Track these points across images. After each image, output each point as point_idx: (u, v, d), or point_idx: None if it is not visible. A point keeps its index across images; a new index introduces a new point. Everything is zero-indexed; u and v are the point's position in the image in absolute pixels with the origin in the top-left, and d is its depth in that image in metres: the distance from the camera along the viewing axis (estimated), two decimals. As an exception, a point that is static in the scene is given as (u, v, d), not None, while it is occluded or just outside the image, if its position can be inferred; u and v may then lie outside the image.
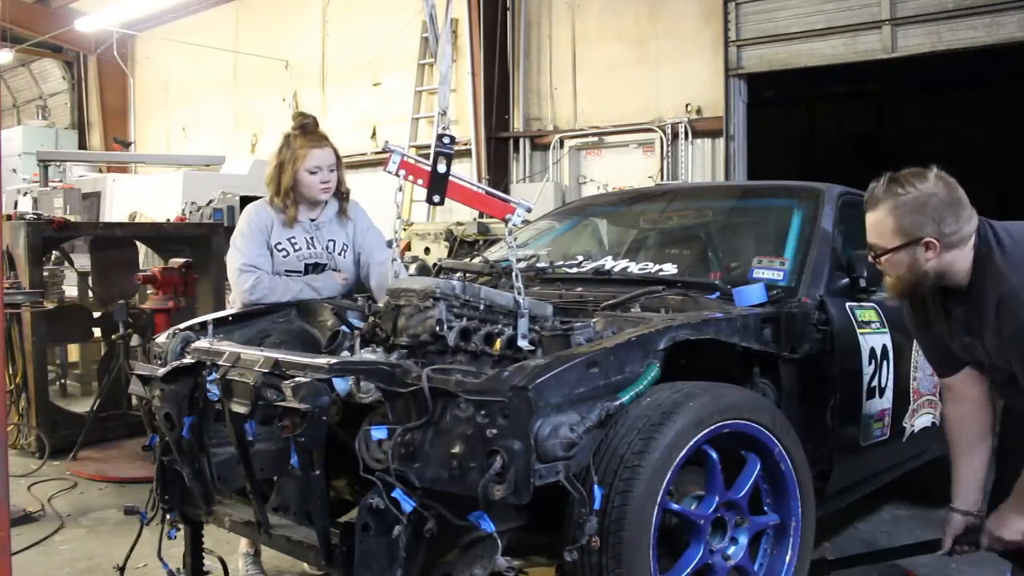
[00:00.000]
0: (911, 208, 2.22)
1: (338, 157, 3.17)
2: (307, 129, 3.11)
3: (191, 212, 8.19)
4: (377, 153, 10.23)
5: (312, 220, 3.17)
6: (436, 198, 2.51)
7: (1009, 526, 2.37)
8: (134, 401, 5.15)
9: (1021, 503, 2.36)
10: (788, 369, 2.65)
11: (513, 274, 2.43)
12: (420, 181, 2.52)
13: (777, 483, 2.41)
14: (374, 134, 11.11)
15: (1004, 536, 2.38)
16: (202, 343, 2.52)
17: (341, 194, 3.22)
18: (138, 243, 6.13)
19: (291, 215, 3.10)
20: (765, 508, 2.41)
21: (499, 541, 1.83)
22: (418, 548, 1.95)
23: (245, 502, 2.44)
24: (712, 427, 2.16)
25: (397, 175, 2.54)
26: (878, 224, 2.29)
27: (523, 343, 2.35)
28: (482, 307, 2.42)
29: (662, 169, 9.15)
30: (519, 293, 2.40)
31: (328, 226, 3.20)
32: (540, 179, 10.09)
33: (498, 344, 2.35)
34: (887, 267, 2.33)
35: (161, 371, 2.44)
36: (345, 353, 2.52)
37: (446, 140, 2.45)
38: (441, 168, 2.48)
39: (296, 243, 3.12)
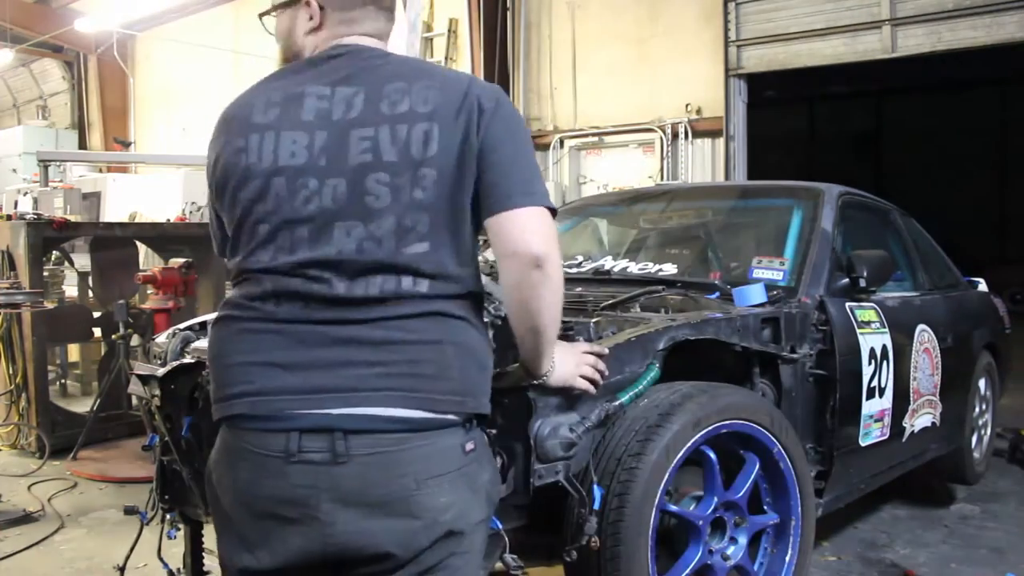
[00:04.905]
0: None
1: None
2: None
3: (191, 212, 8.20)
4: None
5: None
6: None
7: None
8: (134, 401, 5.14)
9: None
10: (788, 369, 2.65)
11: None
12: None
13: (776, 482, 2.41)
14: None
15: None
16: (202, 343, 2.52)
17: None
18: (138, 243, 6.13)
19: None
20: (765, 507, 2.42)
21: (506, 539, 1.83)
22: (418, 548, 1.95)
23: (245, 502, 2.43)
24: (710, 428, 2.16)
25: None
26: None
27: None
28: None
29: (662, 169, 9.16)
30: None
31: None
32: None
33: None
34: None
35: (161, 371, 2.44)
36: None
37: None
38: None
39: None
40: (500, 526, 1.82)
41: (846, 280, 3.00)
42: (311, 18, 1.58)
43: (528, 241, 1.45)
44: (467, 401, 1.45)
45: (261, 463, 1.41)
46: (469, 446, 1.46)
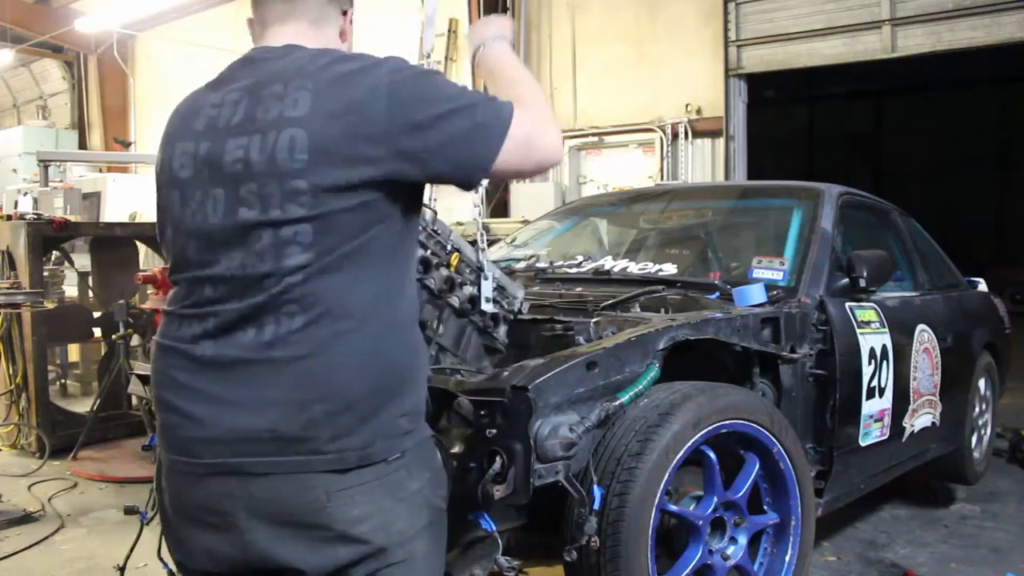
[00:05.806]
0: None
1: None
2: None
3: (191, 212, 8.18)
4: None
5: None
6: None
7: None
8: (134, 401, 5.15)
9: None
10: (788, 369, 2.65)
11: (478, 234, 2.33)
12: None
13: (776, 482, 2.41)
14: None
15: None
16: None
17: None
18: (138, 243, 6.13)
19: None
20: (765, 507, 2.42)
21: (500, 540, 1.83)
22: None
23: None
24: (709, 428, 2.16)
25: None
26: None
27: (487, 307, 2.27)
28: (449, 247, 2.27)
29: (662, 169, 9.16)
30: (482, 251, 2.32)
31: None
32: (540, 179, 10.08)
33: (453, 263, 2.22)
34: None
35: (161, 371, 2.43)
36: None
37: None
38: None
39: None
40: (494, 528, 1.82)
41: (846, 280, 3.00)
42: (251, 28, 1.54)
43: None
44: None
45: (189, 469, 1.41)
46: (393, 455, 1.38)
